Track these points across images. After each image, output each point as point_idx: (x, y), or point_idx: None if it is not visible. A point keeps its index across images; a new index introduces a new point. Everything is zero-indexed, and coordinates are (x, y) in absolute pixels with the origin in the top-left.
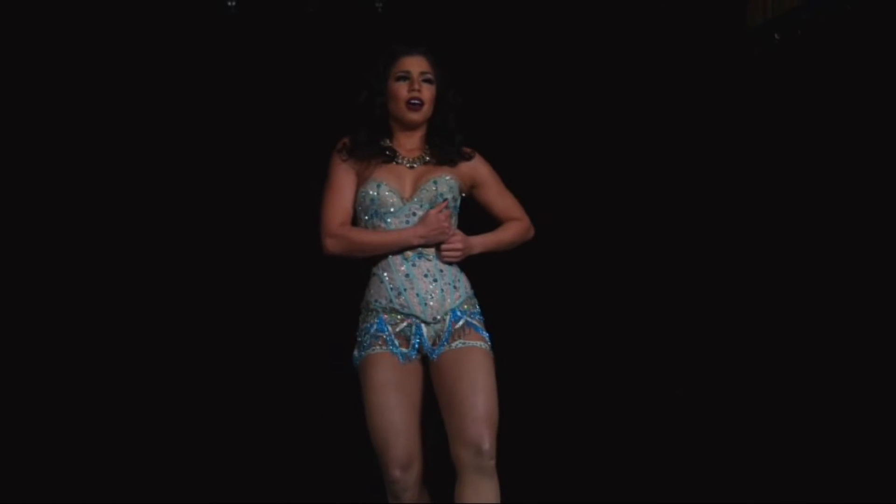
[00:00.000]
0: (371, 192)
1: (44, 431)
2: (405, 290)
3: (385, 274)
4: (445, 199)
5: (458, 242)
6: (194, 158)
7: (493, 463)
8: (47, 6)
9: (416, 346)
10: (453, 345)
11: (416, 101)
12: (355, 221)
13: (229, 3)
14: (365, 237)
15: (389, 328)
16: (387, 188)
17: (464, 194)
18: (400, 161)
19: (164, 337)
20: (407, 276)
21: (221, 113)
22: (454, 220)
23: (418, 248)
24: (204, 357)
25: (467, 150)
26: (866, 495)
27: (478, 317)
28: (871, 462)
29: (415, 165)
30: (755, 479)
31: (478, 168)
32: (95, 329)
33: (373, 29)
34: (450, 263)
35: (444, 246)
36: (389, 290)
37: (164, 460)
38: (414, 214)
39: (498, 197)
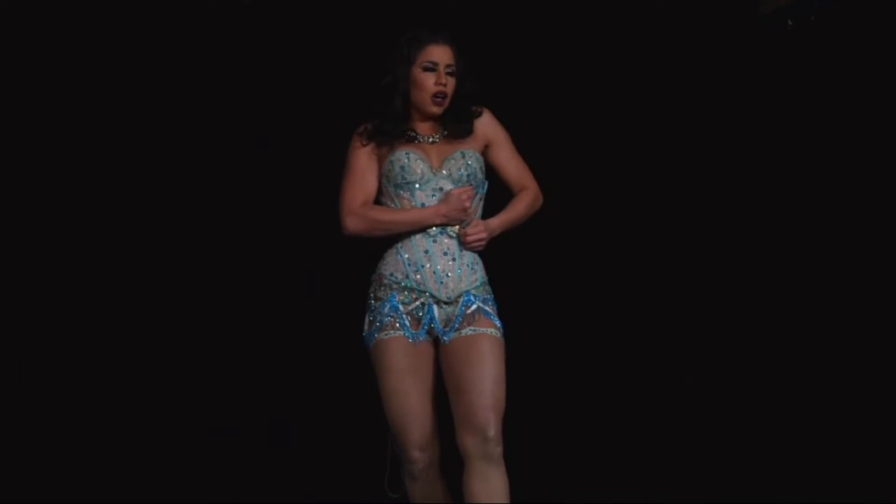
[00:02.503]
0: (400, 160)
1: (44, 431)
2: (423, 266)
3: (404, 248)
4: (472, 185)
5: (482, 232)
6: (201, 148)
7: (499, 450)
8: (53, 3)
9: (426, 327)
10: (464, 331)
11: (442, 96)
12: (378, 195)
13: None
14: (386, 215)
15: (401, 307)
16: (416, 156)
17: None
18: (421, 140)
19: (167, 331)
20: (426, 252)
21: (234, 100)
22: (479, 204)
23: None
24: (208, 353)
25: (475, 107)
26: (866, 495)
27: (491, 303)
28: (871, 462)
29: (435, 141)
30: (756, 478)
31: (489, 125)
32: (102, 323)
33: (383, 13)
34: (476, 252)
35: (469, 237)
36: (407, 265)
37: (167, 458)
38: (441, 189)
39: (510, 158)
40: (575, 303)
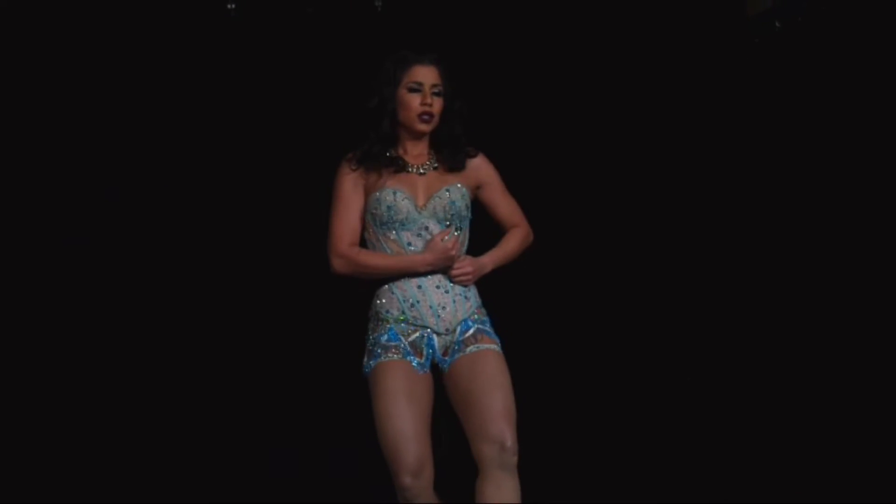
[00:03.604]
0: (387, 199)
1: (44, 431)
2: (418, 301)
3: (397, 286)
4: (449, 228)
5: (468, 266)
6: (196, 162)
7: (516, 459)
8: (50, 11)
9: (429, 357)
10: (467, 350)
11: (428, 116)
12: (363, 230)
13: (229, 6)
14: (373, 260)
15: (402, 338)
16: (402, 195)
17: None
18: (410, 169)
19: (166, 342)
20: (419, 287)
21: (223, 116)
22: (466, 235)
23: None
24: (210, 364)
25: (470, 148)
26: (866, 495)
27: (488, 323)
28: (872, 462)
29: (424, 172)
30: (755, 479)
31: (482, 167)
32: (106, 341)
33: (373, 27)
34: (464, 286)
35: (454, 272)
36: (402, 301)
37: (168, 465)
38: (426, 228)
39: (501, 198)
40: (568, 313)
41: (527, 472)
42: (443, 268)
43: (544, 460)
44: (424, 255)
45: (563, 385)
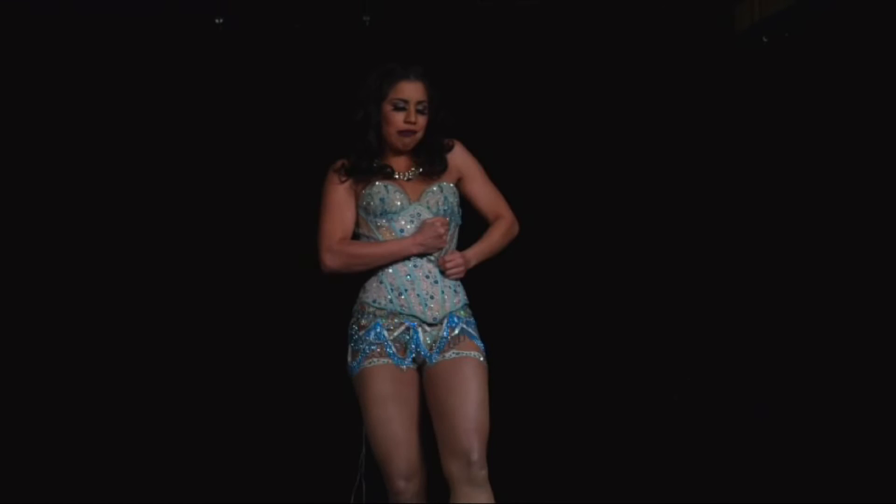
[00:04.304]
0: (380, 193)
1: (44, 432)
2: (406, 290)
3: (386, 275)
4: (447, 218)
5: (459, 257)
6: (185, 174)
7: (484, 473)
8: (46, 29)
9: (413, 353)
10: (447, 355)
11: (409, 133)
12: (357, 226)
13: (217, 21)
14: (364, 249)
15: (387, 334)
16: (394, 188)
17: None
18: (398, 176)
19: (161, 342)
20: (408, 276)
21: (211, 130)
22: (455, 235)
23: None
24: (201, 361)
25: (447, 140)
26: (866, 495)
27: (473, 326)
28: (872, 462)
29: (410, 178)
30: (755, 479)
31: (462, 157)
32: (93, 337)
33: (361, 42)
34: (455, 280)
35: (448, 265)
36: (390, 290)
37: (162, 462)
38: (419, 215)
39: (482, 189)
40: (555, 321)
41: (510, 478)
42: (433, 249)
43: (526, 466)
44: (415, 236)
45: (547, 388)
